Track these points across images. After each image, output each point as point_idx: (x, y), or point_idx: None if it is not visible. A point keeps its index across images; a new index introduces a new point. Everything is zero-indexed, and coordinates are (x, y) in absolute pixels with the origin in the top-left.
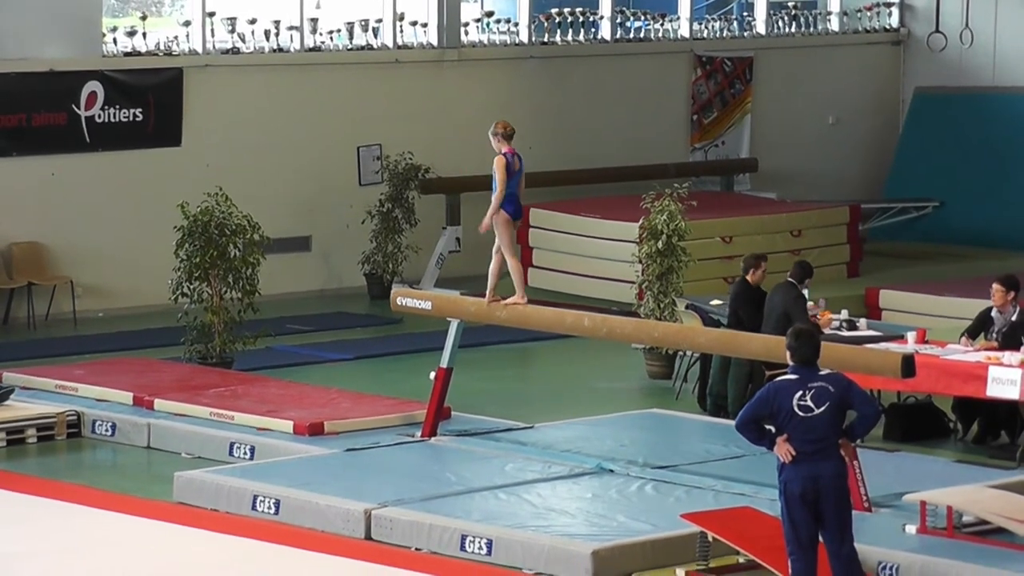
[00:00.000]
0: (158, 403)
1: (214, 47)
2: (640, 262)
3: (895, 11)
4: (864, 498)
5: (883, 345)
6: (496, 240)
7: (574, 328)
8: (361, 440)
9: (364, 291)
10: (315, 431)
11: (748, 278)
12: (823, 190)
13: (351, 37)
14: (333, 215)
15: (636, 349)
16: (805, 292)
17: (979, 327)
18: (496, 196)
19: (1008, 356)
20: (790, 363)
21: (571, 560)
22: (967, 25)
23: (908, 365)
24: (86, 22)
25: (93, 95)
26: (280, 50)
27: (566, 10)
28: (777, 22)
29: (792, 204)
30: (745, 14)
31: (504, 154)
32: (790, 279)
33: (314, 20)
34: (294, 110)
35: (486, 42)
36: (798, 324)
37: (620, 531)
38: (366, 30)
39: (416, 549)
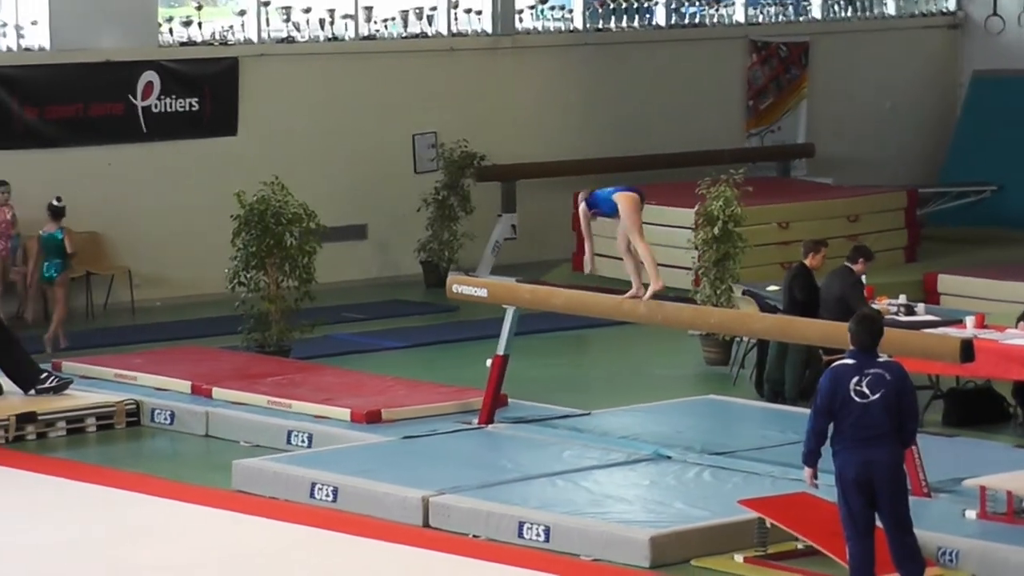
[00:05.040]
0: (216, 392)
1: (269, 36)
2: (696, 248)
3: None
4: (923, 484)
5: (942, 330)
6: (620, 243)
7: (630, 315)
8: (418, 428)
9: (420, 279)
10: (372, 419)
11: (807, 262)
12: (880, 175)
13: (405, 25)
14: (389, 203)
15: (693, 335)
16: (863, 277)
17: None
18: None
19: None
20: (850, 347)
21: (629, 546)
22: None
23: (967, 350)
24: (142, 12)
25: (150, 85)
26: (335, 39)
27: None
28: (833, 6)
29: (849, 189)
30: None
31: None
32: (847, 263)
33: (368, 8)
34: (349, 99)
35: (540, 29)
36: (863, 309)
37: (678, 517)
38: (420, 18)
39: (474, 536)
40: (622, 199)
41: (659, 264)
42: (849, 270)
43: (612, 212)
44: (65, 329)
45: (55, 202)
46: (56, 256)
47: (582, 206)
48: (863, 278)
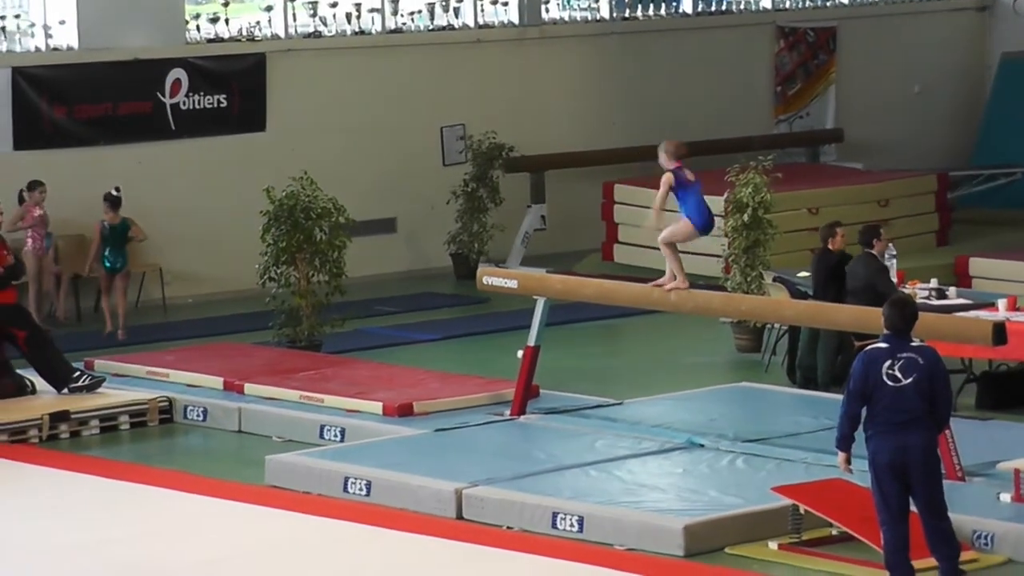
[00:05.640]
0: (248, 387)
1: (296, 31)
2: (726, 235)
3: None
4: (957, 467)
5: (974, 313)
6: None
7: (661, 303)
8: (450, 420)
9: (450, 271)
10: (404, 412)
11: (829, 247)
12: (910, 159)
13: (432, 17)
14: (418, 196)
15: (724, 323)
16: (894, 261)
17: None
18: (655, 207)
19: None
20: (883, 331)
21: (663, 535)
22: None
23: (1000, 333)
24: (169, 10)
25: (177, 82)
26: (362, 32)
27: None
28: None
29: (879, 174)
30: None
31: (673, 171)
32: (868, 250)
33: (395, 2)
34: (377, 92)
35: (567, 19)
36: (896, 293)
37: (712, 506)
38: (447, 10)
39: (508, 527)
40: (685, 224)
41: (689, 253)
42: (871, 256)
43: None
44: (124, 322)
45: (114, 192)
46: (122, 246)
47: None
48: (894, 260)
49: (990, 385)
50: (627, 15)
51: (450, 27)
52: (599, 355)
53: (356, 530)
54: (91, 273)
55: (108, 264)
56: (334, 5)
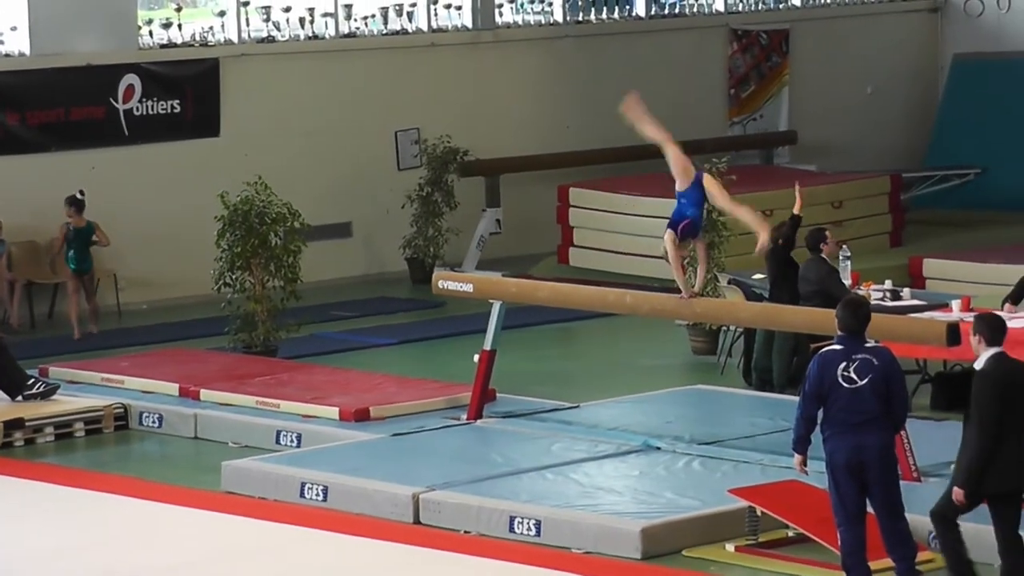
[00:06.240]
0: (204, 393)
1: (249, 36)
2: None
3: None
4: (913, 468)
5: (928, 314)
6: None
7: (616, 306)
8: (407, 424)
9: (406, 275)
10: (361, 417)
11: (823, 254)
12: (863, 160)
13: (386, 22)
14: (373, 200)
15: (679, 325)
16: (848, 263)
17: (1021, 292)
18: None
19: None
20: (837, 333)
21: (620, 538)
22: None
23: (954, 333)
24: (122, 15)
25: (131, 88)
26: (315, 37)
27: None
28: None
29: (832, 175)
30: None
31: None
32: (817, 254)
33: (348, 6)
34: (331, 97)
35: (521, 22)
36: (849, 295)
37: (668, 508)
38: (400, 14)
39: (465, 532)
40: (709, 180)
41: (644, 256)
42: (820, 259)
43: (697, 223)
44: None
45: (78, 195)
46: (87, 247)
47: (669, 233)
48: (848, 262)
49: (944, 386)
50: (580, 18)
51: (404, 31)
52: (555, 358)
53: (313, 535)
54: (57, 273)
55: (74, 266)
56: (287, 10)
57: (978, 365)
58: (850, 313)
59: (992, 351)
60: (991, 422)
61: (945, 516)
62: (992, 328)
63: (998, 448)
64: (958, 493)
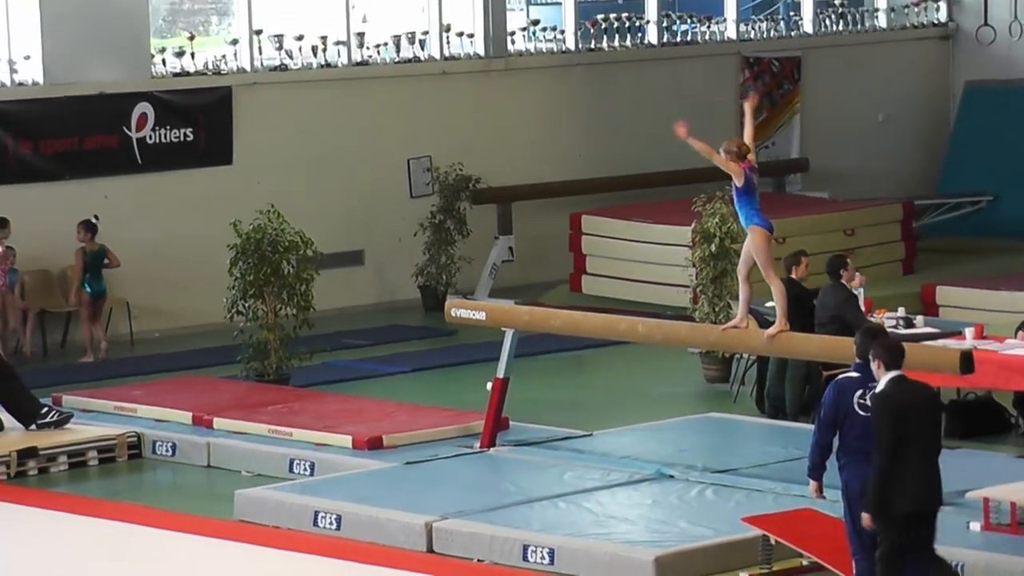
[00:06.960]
0: (217, 422)
1: (262, 65)
2: (693, 266)
3: (943, 5)
4: None
5: (941, 342)
6: (742, 269)
7: (629, 334)
8: (420, 453)
9: (418, 303)
10: (374, 445)
11: (792, 276)
12: (875, 188)
13: (398, 50)
14: (385, 228)
15: (692, 353)
16: (861, 291)
17: None
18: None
19: None
20: (855, 360)
21: (633, 567)
22: (1016, 18)
23: (967, 361)
24: (134, 44)
25: (144, 116)
26: (328, 65)
27: (612, 16)
28: (824, 20)
29: (844, 203)
30: (792, 14)
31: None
32: (840, 281)
33: (361, 34)
34: (343, 125)
35: (533, 50)
36: (867, 323)
37: (682, 537)
38: (413, 42)
39: (478, 560)
40: (756, 233)
41: (657, 283)
42: (840, 285)
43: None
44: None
45: (93, 219)
46: (100, 270)
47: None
48: (862, 291)
49: (958, 414)
50: (592, 46)
51: (416, 59)
52: (568, 386)
53: (326, 564)
54: (73, 301)
55: (90, 289)
56: (300, 38)
57: (878, 388)
58: (865, 341)
59: (892, 374)
60: (887, 444)
61: (888, 557)
62: (891, 352)
63: (902, 469)
64: (865, 518)
